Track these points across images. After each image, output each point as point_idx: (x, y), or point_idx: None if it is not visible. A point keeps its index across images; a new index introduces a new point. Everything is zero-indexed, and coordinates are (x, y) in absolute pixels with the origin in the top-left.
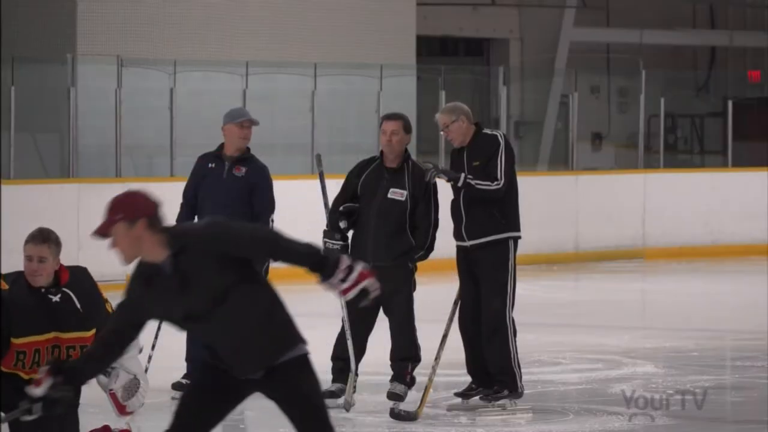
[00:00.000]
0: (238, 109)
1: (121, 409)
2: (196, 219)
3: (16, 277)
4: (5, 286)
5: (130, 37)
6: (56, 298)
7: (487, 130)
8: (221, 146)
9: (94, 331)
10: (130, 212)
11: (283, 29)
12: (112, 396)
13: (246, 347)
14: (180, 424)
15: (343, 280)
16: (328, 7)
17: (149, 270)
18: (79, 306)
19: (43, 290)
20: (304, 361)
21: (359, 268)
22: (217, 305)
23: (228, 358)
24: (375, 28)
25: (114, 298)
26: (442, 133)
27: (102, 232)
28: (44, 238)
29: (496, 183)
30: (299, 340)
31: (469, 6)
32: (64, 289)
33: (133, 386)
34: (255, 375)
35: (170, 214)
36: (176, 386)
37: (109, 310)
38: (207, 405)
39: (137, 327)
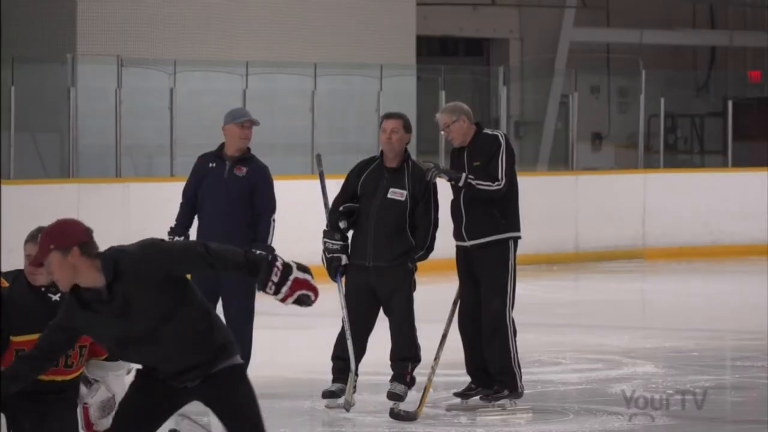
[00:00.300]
0: (239, 109)
1: (89, 427)
2: (196, 218)
3: (17, 276)
4: (5, 284)
5: (130, 37)
6: (56, 297)
7: (487, 130)
8: (222, 146)
9: None
10: (63, 240)
11: (283, 29)
12: (84, 410)
13: (188, 360)
14: (118, 430)
15: (277, 291)
16: (328, 7)
17: (87, 294)
18: None
19: (43, 289)
20: (239, 370)
21: (293, 276)
22: (162, 325)
23: (168, 371)
24: (375, 28)
25: None
26: (442, 132)
27: (36, 262)
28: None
29: (497, 183)
30: (235, 350)
31: (469, 6)
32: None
33: (109, 406)
34: (192, 383)
35: (170, 214)
36: None
37: None
38: (145, 412)
39: (65, 348)
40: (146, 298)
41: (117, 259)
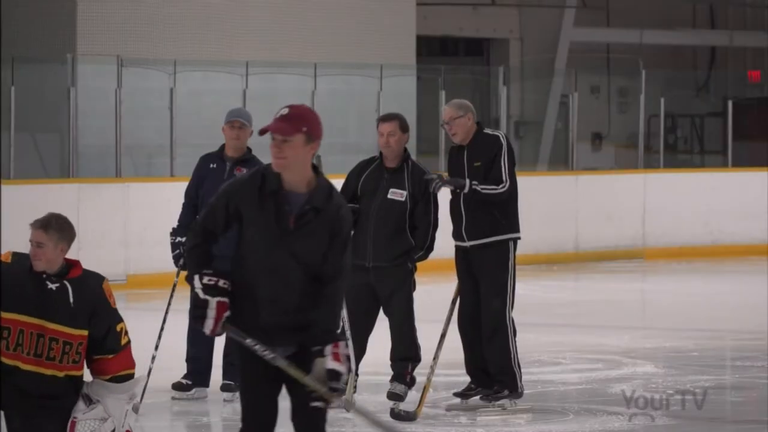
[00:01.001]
0: (234, 110)
1: None
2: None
3: (25, 258)
4: (7, 259)
5: (130, 37)
6: (52, 286)
7: (488, 130)
8: (223, 147)
9: (83, 331)
10: (314, 130)
11: (283, 29)
12: (72, 424)
13: (290, 314)
14: (254, 413)
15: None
16: (328, 7)
17: (272, 185)
18: (71, 300)
19: (44, 275)
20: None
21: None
22: (303, 264)
23: (271, 315)
24: (375, 28)
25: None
26: (444, 126)
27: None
28: (42, 224)
29: (501, 186)
30: (333, 338)
31: (469, 6)
32: (65, 281)
33: (99, 429)
34: (286, 349)
35: (171, 214)
36: (176, 386)
37: (119, 329)
38: (268, 389)
39: (220, 225)
40: (317, 237)
41: (333, 192)
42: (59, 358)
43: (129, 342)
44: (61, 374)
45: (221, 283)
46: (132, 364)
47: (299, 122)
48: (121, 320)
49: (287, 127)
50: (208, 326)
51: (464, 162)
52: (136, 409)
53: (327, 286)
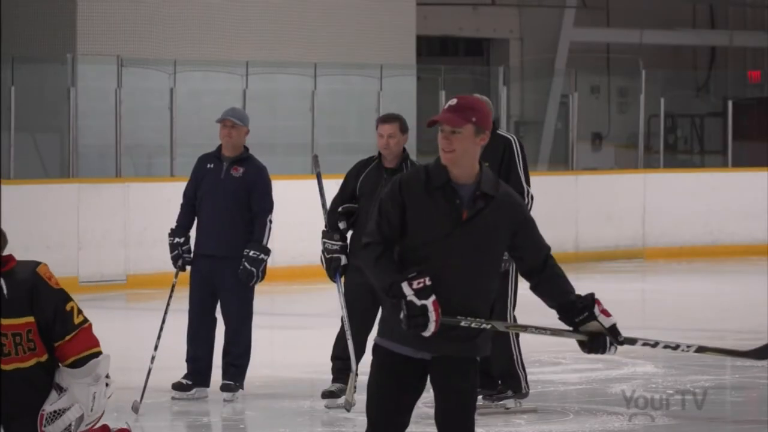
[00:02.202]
0: (228, 109)
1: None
2: (195, 219)
3: None
4: None
5: (130, 37)
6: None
7: (501, 131)
8: (220, 147)
9: (28, 318)
10: (483, 122)
11: (283, 29)
12: (40, 416)
13: (455, 311)
14: (383, 414)
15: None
16: (328, 7)
17: (439, 180)
18: (5, 292)
19: None
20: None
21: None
22: (474, 259)
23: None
24: (375, 28)
25: (114, 298)
26: None
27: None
28: None
29: (525, 194)
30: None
31: (469, 6)
32: None
33: (64, 417)
34: (426, 353)
35: (171, 214)
36: (176, 386)
37: (68, 308)
38: (401, 391)
39: (395, 226)
40: (494, 230)
41: (501, 182)
42: (14, 352)
43: (86, 321)
44: (25, 365)
45: (428, 281)
46: (94, 343)
47: (469, 112)
48: (69, 299)
49: (456, 117)
50: (431, 329)
51: None
52: (136, 409)
53: (545, 268)
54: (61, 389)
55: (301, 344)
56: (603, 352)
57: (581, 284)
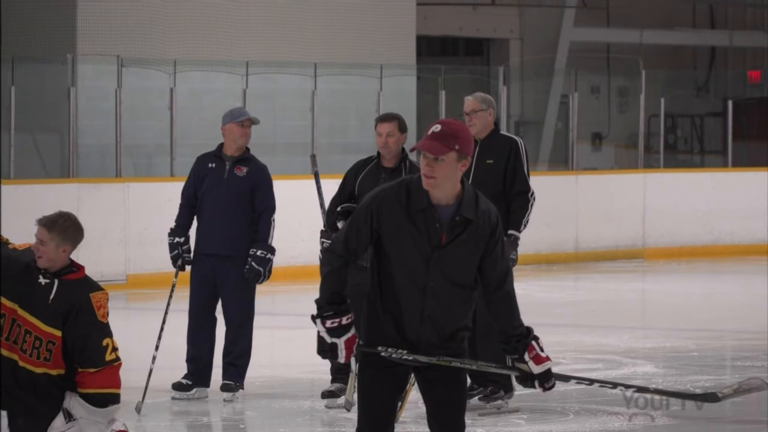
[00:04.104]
0: (238, 109)
1: None
2: (195, 219)
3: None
4: (21, 248)
5: (130, 37)
6: (43, 281)
7: (504, 132)
8: (221, 146)
9: (54, 331)
10: (465, 149)
11: (283, 29)
12: None
13: (439, 330)
14: (373, 417)
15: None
16: (328, 7)
17: (418, 204)
18: (51, 298)
19: (41, 270)
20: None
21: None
22: (452, 282)
23: (414, 333)
24: (375, 28)
25: (114, 298)
26: (464, 116)
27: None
28: (47, 223)
29: (530, 195)
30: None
31: (469, 6)
32: (57, 280)
33: None
34: (421, 360)
35: (171, 214)
36: (176, 386)
37: (104, 344)
38: (387, 393)
39: (364, 246)
40: (472, 250)
41: (480, 199)
42: (29, 352)
43: (117, 360)
44: (34, 370)
45: (344, 320)
46: (116, 384)
47: (451, 140)
48: (109, 336)
49: (438, 146)
50: (342, 358)
51: (474, 157)
52: (139, 410)
53: (501, 287)
54: (70, 417)
55: (301, 344)
56: (534, 388)
57: (581, 284)
